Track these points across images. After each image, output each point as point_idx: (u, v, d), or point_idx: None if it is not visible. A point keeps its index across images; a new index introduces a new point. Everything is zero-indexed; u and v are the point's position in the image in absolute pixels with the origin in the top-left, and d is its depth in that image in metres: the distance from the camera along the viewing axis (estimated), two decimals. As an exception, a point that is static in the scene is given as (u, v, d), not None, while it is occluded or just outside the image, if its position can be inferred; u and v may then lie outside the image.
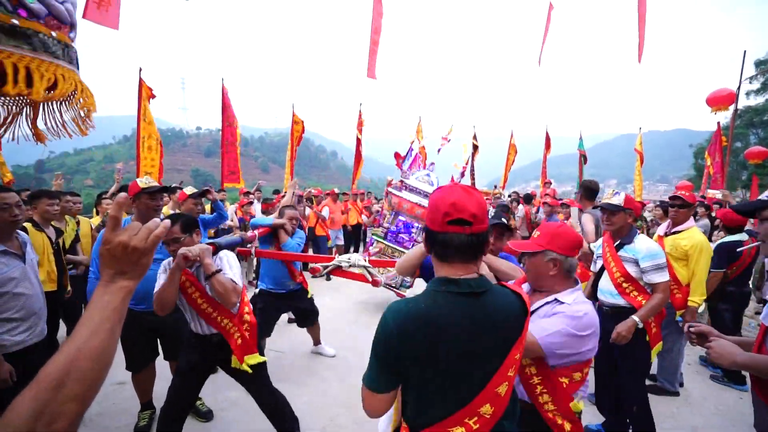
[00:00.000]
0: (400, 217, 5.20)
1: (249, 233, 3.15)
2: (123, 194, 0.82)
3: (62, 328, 4.04)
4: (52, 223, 3.65)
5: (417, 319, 1.04)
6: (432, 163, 5.72)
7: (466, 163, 5.74)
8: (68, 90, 1.22)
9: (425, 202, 5.01)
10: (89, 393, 0.66)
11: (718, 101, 8.48)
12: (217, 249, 2.27)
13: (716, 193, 6.75)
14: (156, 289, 2.15)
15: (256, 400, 2.50)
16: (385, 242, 5.19)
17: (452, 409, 1.07)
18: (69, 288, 3.67)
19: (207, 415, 2.98)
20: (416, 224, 5.14)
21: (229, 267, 2.26)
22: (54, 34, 1.38)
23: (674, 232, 3.21)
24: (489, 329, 1.08)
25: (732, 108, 9.04)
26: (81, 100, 1.22)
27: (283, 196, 5.73)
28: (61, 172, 6.76)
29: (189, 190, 3.88)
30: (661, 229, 3.46)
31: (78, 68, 1.43)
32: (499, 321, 1.09)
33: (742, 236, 3.68)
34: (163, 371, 3.01)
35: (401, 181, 5.22)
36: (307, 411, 3.06)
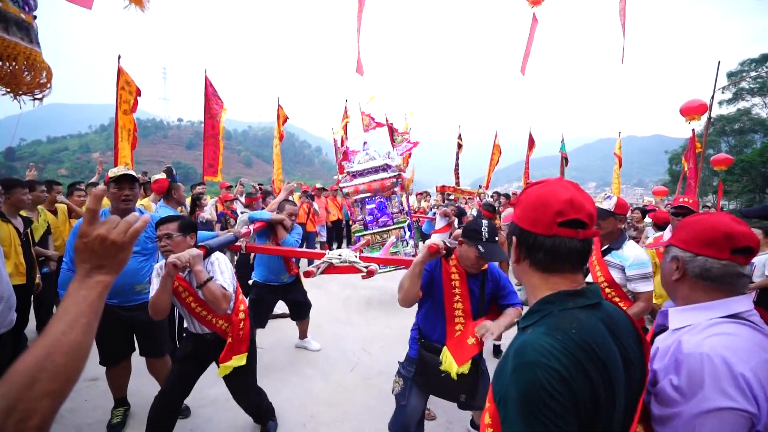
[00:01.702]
0: (368, 206, 5.30)
1: (244, 229, 3.09)
2: (101, 186, 0.80)
3: (31, 322, 3.90)
4: (22, 213, 3.52)
5: (581, 348, 0.80)
6: (365, 142, 5.89)
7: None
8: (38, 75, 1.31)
9: (378, 176, 5.15)
10: (64, 389, 0.65)
11: (691, 111, 8.87)
12: (208, 251, 2.24)
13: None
14: (150, 296, 2.15)
15: (235, 395, 2.53)
16: (368, 232, 5.26)
17: None
18: (38, 282, 3.54)
19: (184, 412, 2.92)
20: (385, 201, 5.28)
21: (221, 273, 2.24)
22: (23, 17, 1.43)
23: None
24: (625, 344, 0.89)
25: (704, 117, 9.41)
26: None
27: (264, 191, 5.68)
28: (33, 161, 6.55)
29: (160, 176, 3.81)
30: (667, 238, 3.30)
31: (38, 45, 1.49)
32: (623, 335, 0.90)
33: (667, 233, 4.20)
34: (138, 367, 2.93)
35: (347, 173, 5.35)
36: (288, 407, 3.04)
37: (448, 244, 1.99)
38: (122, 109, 6.85)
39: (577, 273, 0.91)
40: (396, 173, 5.18)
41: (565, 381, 0.76)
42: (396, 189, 5.22)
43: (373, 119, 6.12)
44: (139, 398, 3.00)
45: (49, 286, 3.78)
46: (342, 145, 8.97)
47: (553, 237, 0.88)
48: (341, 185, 5.36)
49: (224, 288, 2.15)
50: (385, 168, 5.20)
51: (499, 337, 4.13)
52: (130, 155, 7.07)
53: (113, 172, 2.63)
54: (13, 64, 1.34)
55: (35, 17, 1.45)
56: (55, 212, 4.35)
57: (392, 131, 5.96)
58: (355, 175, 5.26)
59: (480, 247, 1.90)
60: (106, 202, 4.01)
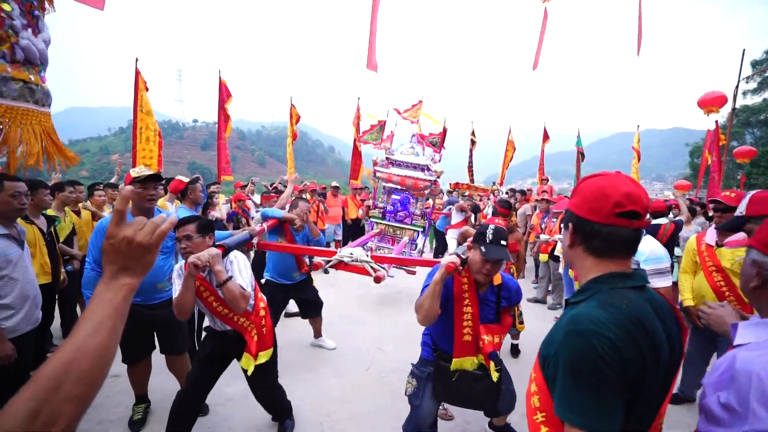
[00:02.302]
0: (394, 196, 5.23)
1: (258, 227, 3.11)
2: (129, 187, 0.79)
3: (56, 320, 4.01)
4: (49, 211, 3.63)
5: (631, 322, 0.86)
6: (413, 134, 5.78)
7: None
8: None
9: (414, 174, 5.05)
10: (89, 394, 0.64)
11: (709, 103, 8.62)
12: (226, 250, 2.26)
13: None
14: (174, 296, 2.19)
15: (256, 391, 2.57)
16: (384, 222, 5.21)
17: (646, 425, 0.92)
18: (64, 277, 3.66)
19: (203, 410, 2.96)
20: (411, 199, 5.21)
21: (239, 271, 2.28)
22: (32, 78, 1.55)
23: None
24: (669, 326, 0.94)
25: (724, 108, 9.11)
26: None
27: (276, 188, 5.72)
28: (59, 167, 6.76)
29: (183, 178, 3.88)
30: (710, 238, 2.88)
31: (47, 105, 1.63)
32: (666, 318, 0.95)
33: (663, 220, 4.64)
34: (159, 365, 2.99)
35: (387, 158, 5.26)
36: (303, 406, 3.05)
37: (463, 257, 1.97)
38: (145, 111, 7.00)
39: (627, 259, 0.98)
40: (433, 178, 5.07)
41: (618, 349, 0.82)
42: (426, 192, 5.13)
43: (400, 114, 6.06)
44: (160, 395, 3.06)
45: (73, 284, 3.88)
46: (359, 141, 8.89)
47: (609, 226, 0.94)
48: (376, 168, 5.27)
49: (243, 288, 2.18)
50: (425, 169, 5.08)
51: (516, 336, 4.08)
52: (158, 156, 7.19)
53: (136, 172, 2.67)
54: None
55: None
56: (78, 213, 4.46)
57: (444, 136, 5.79)
58: (393, 163, 5.18)
59: (482, 247, 1.93)
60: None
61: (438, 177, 5.19)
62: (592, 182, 0.99)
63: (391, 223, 5.19)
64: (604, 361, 0.81)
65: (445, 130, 5.74)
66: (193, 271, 2.06)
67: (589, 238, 0.98)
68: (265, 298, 2.57)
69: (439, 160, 5.44)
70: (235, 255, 2.35)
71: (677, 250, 4.80)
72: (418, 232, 5.25)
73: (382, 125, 5.91)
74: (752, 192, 1.95)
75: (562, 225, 3.58)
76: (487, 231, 1.96)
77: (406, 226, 5.12)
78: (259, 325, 2.38)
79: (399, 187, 5.15)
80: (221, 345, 2.44)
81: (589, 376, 0.82)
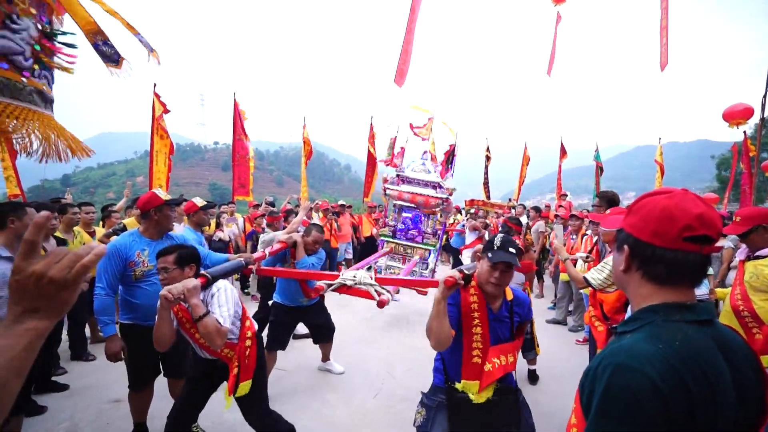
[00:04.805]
0: (405, 214, 5.15)
1: (257, 254, 3.03)
2: (44, 213, 0.66)
3: (65, 342, 4.01)
4: (57, 234, 3.66)
5: (682, 361, 0.74)
6: (425, 152, 5.72)
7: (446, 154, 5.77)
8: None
9: (425, 191, 4.99)
10: None
11: (735, 115, 8.31)
12: (208, 281, 2.14)
13: None
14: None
15: (248, 420, 2.44)
16: (395, 240, 5.11)
17: None
18: None
19: (203, 439, 2.85)
20: (422, 217, 5.12)
21: (218, 306, 2.15)
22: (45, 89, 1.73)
23: (757, 257, 2.61)
24: (739, 367, 0.82)
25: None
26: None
27: (287, 210, 5.72)
28: (85, 186, 7.06)
29: (198, 201, 3.90)
30: (741, 253, 2.84)
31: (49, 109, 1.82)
32: (737, 358, 0.83)
33: None
34: (159, 390, 2.89)
35: (397, 176, 5.21)
36: (307, 436, 2.90)
37: (465, 272, 1.87)
38: (158, 134, 7.20)
39: (691, 289, 0.87)
40: (445, 196, 5.01)
41: (659, 392, 0.71)
42: (438, 210, 5.06)
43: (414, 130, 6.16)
44: (160, 422, 2.95)
45: (81, 305, 3.86)
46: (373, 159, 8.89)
47: (676, 251, 0.84)
48: (386, 185, 5.27)
49: (219, 324, 2.07)
50: (436, 186, 5.05)
51: (533, 361, 3.84)
52: (166, 177, 7.37)
53: (165, 195, 2.71)
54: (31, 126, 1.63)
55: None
56: (93, 234, 4.50)
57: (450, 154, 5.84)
58: (404, 180, 5.15)
59: (489, 254, 1.87)
60: (133, 224, 4.12)
61: (450, 194, 5.09)
62: (656, 201, 0.88)
63: (401, 242, 5.08)
64: (639, 405, 0.71)
65: (452, 148, 5.69)
66: (164, 303, 1.96)
67: (649, 263, 0.87)
68: (254, 325, 2.46)
69: (451, 176, 5.38)
70: (218, 286, 2.23)
71: None
72: (429, 251, 5.12)
73: (392, 142, 5.91)
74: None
75: (601, 246, 3.38)
76: (496, 239, 1.91)
77: (417, 245, 5.00)
78: (242, 354, 2.28)
79: (410, 204, 5.08)
80: (207, 370, 2.38)
81: (619, 420, 0.72)
